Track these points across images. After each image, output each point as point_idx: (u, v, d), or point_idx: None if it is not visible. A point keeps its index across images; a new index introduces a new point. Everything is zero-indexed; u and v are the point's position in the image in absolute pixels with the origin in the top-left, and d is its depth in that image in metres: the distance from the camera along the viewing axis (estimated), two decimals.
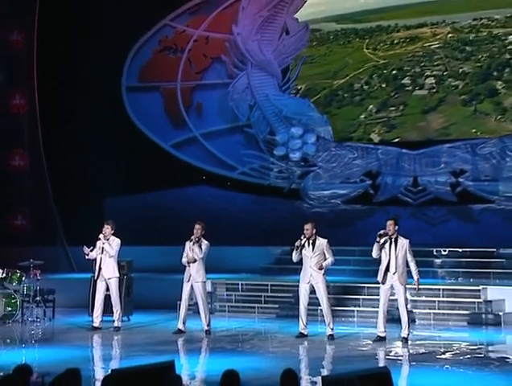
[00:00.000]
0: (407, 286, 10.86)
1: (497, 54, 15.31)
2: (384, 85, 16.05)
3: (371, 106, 15.93)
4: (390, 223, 10.67)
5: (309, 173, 15.67)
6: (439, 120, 15.68)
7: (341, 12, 16.42)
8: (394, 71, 16.06)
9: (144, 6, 16.10)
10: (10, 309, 12.69)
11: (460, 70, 15.59)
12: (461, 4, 15.57)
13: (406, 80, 15.95)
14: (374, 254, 10.72)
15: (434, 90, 15.70)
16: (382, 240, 10.56)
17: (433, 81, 15.71)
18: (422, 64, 15.83)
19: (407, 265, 10.65)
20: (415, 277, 10.67)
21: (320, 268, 10.87)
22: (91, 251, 11.86)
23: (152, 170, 16.10)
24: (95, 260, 11.94)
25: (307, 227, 10.95)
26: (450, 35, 15.57)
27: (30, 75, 16.67)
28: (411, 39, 15.94)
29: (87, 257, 12.06)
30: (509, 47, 15.19)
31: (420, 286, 10.99)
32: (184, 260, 11.54)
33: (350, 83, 16.16)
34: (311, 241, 10.92)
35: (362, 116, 15.99)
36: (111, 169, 15.79)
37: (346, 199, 15.37)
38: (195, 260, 11.46)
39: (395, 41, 16.08)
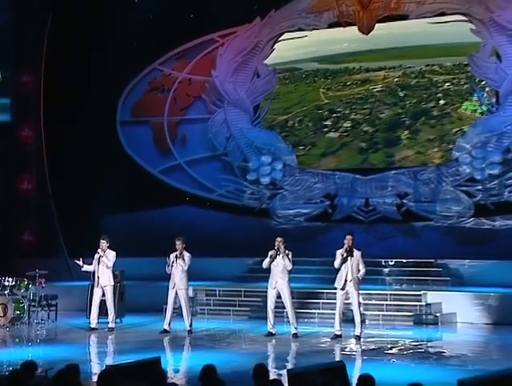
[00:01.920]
0: (360, 292, 10.95)
1: (424, 101, 15.00)
2: (310, 124, 15.75)
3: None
4: (349, 237, 10.76)
5: (277, 195, 15.69)
6: (331, 164, 15.47)
7: (328, 53, 15.89)
8: (325, 112, 15.68)
9: (136, 53, 16.12)
10: (18, 312, 12.53)
11: (381, 115, 15.25)
12: (423, 50, 15.08)
13: (328, 122, 15.62)
14: (337, 265, 10.76)
15: (345, 134, 15.46)
16: (345, 254, 10.64)
17: (349, 125, 15.44)
18: (353, 107, 15.47)
19: (359, 271, 10.73)
20: (360, 274, 10.67)
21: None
22: (83, 262, 11.88)
23: (143, 192, 16.04)
24: (94, 270, 11.91)
25: (279, 239, 10.98)
26: (396, 79, 15.33)
27: (37, 110, 16.57)
28: (363, 82, 15.53)
29: (82, 269, 12.05)
30: (438, 95, 14.94)
31: (370, 291, 11.09)
32: (168, 269, 11.49)
33: (287, 119, 15.95)
34: (281, 254, 10.96)
35: None
36: (107, 191, 15.67)
37: (308, 217, 15.40)
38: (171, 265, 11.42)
39: (348, 83, 15.70)
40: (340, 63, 15.82)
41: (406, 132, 15.12)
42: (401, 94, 15.31)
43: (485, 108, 14.58)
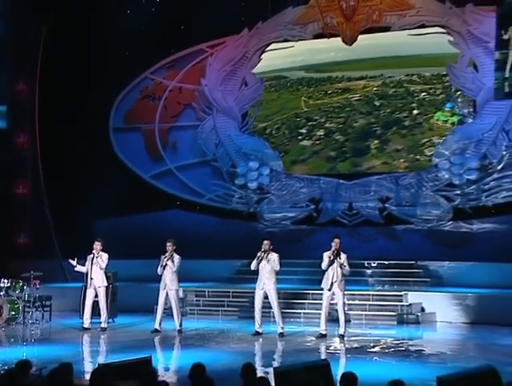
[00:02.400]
0: (345, 292, 10.97)
1: (398, 110, 14.97)
2: (286, 132, 15.75)
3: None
4: (337, 241, 10.81)
5: (264, 199, 15.71)
6: (300, 171, 15.48)
7: (314, 62, 15.74)
8: (303, 120, 15.61)
9: (128, 62, 16.11)
10: (13, 313, 12.44)
11: (354, 124, 15.18)
12: (404, 60, 15.05)
13: (303, 130, 15.57)
14: (324, 267, 10.79)
15: (318, 142, 15.46)
16: (332, 257, 10.67)
17: (322, 133, 15.43)
18: (330, 116, 15.41)
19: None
20: (344, 269, 10.69)
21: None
22: (77, 262, 11.83)
23: (134, 196, 16.00)
24: (87, 271, 11.86)
25: (266, 242, 11.02)
26: (375, 88, 15.31)
27: (32, 118, 16.52)
28: (344, 90, 15.43)
29: (75, 269, 11.99)
30: (412, 104, 14.93)
31: (354, 292, 11.13)
32: (159, 269, 11.49)
33: (266, 127, 15.94)
34: (266, 255, 10.97)
35: None
36: (100, 195, 15.61)
37: (294, 221, 15.42)
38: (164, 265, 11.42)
39: (329, 91, 15.58)
40: (324, 72, 15.79)
41: (376, 141, 15.16)
42: (377, 103, 15.29)
43: (456, 118, 14.65)
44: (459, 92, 14.64)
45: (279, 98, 16.13)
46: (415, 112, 15.01)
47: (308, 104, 15.81)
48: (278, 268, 10.99)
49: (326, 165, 15.49)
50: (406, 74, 15.17)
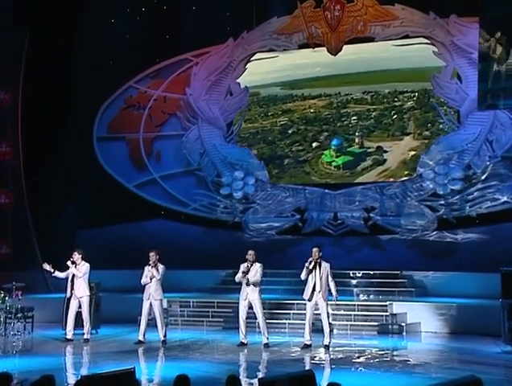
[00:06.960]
0: (328, 302, 10.98)
1: (301, 142, 15.09)
2: None
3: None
4: (315, 250, 10.83)
5: (249, 209, 15.71)
6: None
7: (297, 78, 15.60)
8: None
9: (113, 71, 16.07)
10: None
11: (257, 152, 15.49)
12: (370, 76, 14.98)
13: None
14: (303, 276, 10.81)
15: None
16: (311, 266, 10.69)
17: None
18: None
19: (328, 285, 10.79)
20: (334, 293, 10.79)
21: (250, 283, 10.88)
22: (52, 267, 11.72)
23: (118, 206, 15.91)
24: (67, 280, 11.76)
25: (251, 252, 11.02)
26: (312, 110, 15.34)
27: (15, 127, 16.37)
28: (283, 112, 15.47)
29: (53, 275, 11.87)
30: (324, 133, 14.99)
31: (338, 302, 11.16)
32: (143, 280, 11.45)
33: None
34: (250, 266, 10.96)
35: None
36: (83, 205, 15.55)
37: (279, 231, 15.43)
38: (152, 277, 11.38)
39: (270, 113, 15.61)
40: (295, 89, 15.67)
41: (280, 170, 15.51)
42: (291, 131, 15.28)
43: (341, 161, 14.76)
44: (394, 115, 14.76)
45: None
46: (315, 144, 15.10)
47: (241, 128, 15.87)
48: (259, 279, 10.96)
49: None
50: (363, 91, 15.15)
